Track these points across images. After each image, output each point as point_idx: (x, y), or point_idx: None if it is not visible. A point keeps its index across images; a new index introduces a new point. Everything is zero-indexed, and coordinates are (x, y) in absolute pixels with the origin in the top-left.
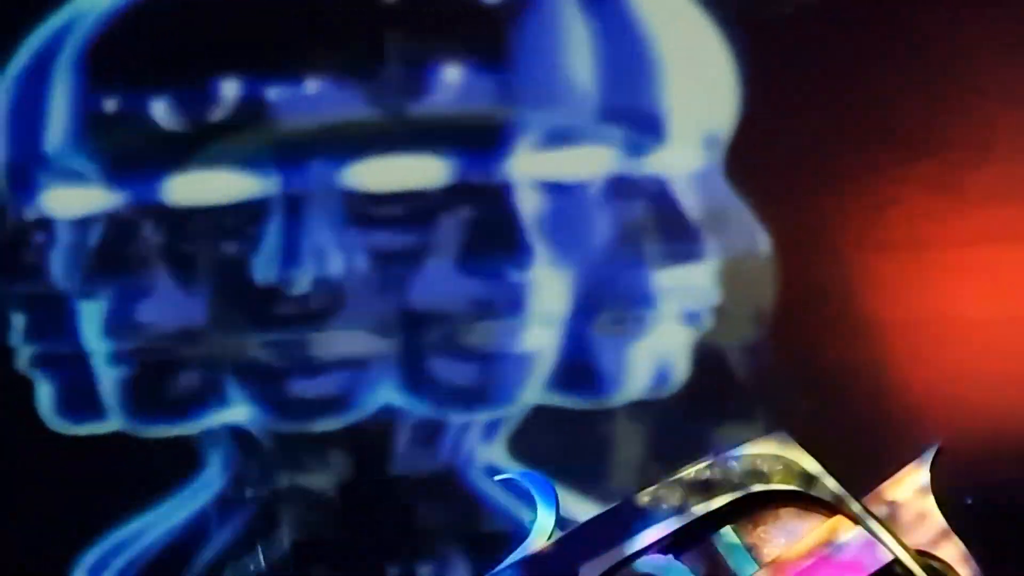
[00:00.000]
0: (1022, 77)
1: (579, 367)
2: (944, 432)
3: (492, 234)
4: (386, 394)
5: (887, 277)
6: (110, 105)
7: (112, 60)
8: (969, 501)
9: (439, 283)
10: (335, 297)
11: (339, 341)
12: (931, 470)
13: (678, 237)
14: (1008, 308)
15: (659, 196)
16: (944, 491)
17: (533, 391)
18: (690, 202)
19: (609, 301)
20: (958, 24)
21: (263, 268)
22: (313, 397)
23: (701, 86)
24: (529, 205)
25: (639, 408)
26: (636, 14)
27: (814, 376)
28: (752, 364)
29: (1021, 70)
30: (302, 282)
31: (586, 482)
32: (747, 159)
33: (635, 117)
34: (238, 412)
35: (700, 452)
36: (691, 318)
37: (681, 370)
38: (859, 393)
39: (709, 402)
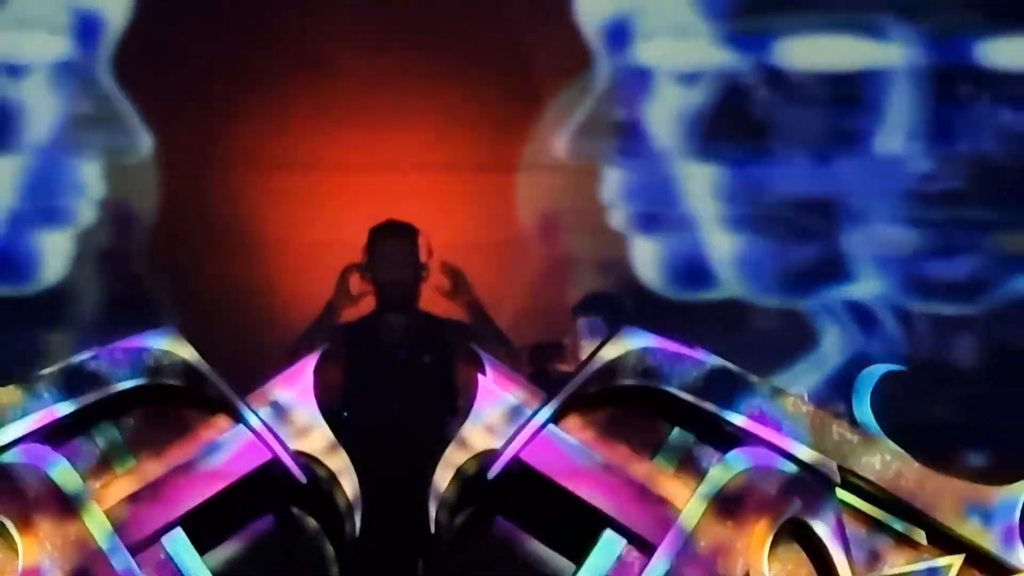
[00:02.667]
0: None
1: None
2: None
3: None
4: None
5: (275, 197)
6: None
7: None
8: (345, 415)
9: None
10: None
11: None
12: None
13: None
14: None
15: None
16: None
17: None
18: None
19: (44, 191)
20: None
21: None
22: None
23: None
24: None
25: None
26: None
27: (195, 285)
28: (138, 264)
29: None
30: None
31: None
32: (137, 59)
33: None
34: None
35: (89, 343)
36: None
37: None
38: (242, 305)
39: (97, 295)
